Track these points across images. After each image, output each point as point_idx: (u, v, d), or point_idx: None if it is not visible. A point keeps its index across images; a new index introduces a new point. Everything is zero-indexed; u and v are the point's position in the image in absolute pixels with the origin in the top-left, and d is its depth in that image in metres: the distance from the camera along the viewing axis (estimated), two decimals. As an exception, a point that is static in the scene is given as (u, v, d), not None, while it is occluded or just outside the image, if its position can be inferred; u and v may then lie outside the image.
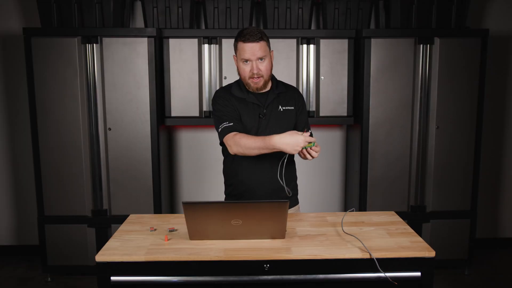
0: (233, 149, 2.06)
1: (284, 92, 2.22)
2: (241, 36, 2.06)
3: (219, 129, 2.11)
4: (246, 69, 2.08)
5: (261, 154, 2.03)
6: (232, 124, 2.09)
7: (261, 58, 2.06)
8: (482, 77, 3.27)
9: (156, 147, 3.25)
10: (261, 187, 2.19)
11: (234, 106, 2.15)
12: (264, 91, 2.17)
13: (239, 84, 2.20)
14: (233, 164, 2.24)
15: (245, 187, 2.21)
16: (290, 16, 3.37)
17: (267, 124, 2.16)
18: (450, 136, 3.32)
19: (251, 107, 2.16)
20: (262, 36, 2.05)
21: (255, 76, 2.08)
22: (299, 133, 1.94)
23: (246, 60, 2.06)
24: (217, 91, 2.25)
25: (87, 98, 3.20)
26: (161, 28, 3.30)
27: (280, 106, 2.19)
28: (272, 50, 2.16)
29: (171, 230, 1.97)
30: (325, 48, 3.32)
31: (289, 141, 1.91)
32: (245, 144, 2.00)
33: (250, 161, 2.17)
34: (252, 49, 2.04)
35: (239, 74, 2.15)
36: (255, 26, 2.09)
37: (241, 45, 2.06)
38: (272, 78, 2.22)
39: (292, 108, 2.21)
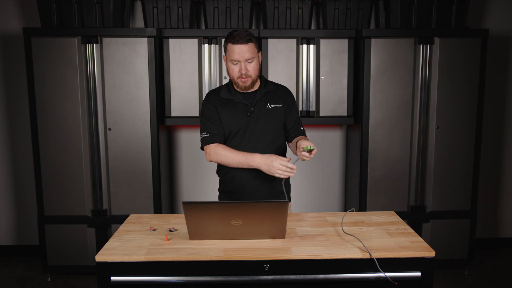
0: (210, 158, 2.22)
1: (273, 91, 2.28)
2: (231, 38, 2.12)
3: (201, 137, 2.25)
4: (235, 69, 2.15)
5: (257, 151, 2.17)
6: (212, 135, 2.21)
7: (249, 60, 2.12)
8: (482, 77, 3.27)
9: (156, 147, 3.25)
10: (251, 183, 2.24)
11: (218, 113, 2.22)
12: (252, 90, 2.23)
13: (229, 85, 2.27)
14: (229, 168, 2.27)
15: (236, 184, 2.26)
16: (290, 16, 3.37)
17: (256, 122, 2.22)
18: (450, 136, 3.32)
19: (239, 106, 2.23)
20: (250, 38, 2.11)
21: (243, 76, 2.14)
22: (279, 158, 2.03)
23: (235, 61, 2.13)
24: (207, 94, 2.33)
25: (87, 98, 3.20)
26: (161, 28, 3.30)
27: (268, 104, 2.24)
28: (260, 51, 2.23)
29: (171, 230, 1.97)
30: (325, 48, 3.32)
31: (266, 162, 2.05)
32: (226, 156, 2.17)
33: None
34: (240, 50, 2.10)
35: (228, 74, 2.21)
36: (244, 28, 2.16)
37: (230, 46, 2.12)
38: (261, 77, 2.29)
39: (281, 106, 2.26)
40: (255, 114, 2.22)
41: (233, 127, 2.22)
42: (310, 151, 1.99)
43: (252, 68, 2.15)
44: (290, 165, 2.01)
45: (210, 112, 2.24)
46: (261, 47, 3.28)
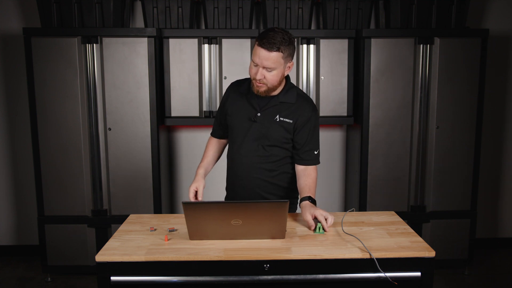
0: None
1: (290, 103, 2.10)
2: (260, 38, 1.94)
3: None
4: (253, 71, 2.00)
5: (243, 160, 2.16)
6: (214, 128, 2.34)
7: (268, 68, 1.96)
8: (482, 77, 3.27)
9: (156, 147, 3.25)
10: (243, 188, 2.19)
11: (226, 107, 2.19)
12: (270, 94, 2.08)
13: (251, 82, 2.11)
14: (228, 164, 2.28)
15: (232, 186, 2.25)
16: (290, 16, 3.37)
17: (258, 130, 2.10)
18: (450, 136, 3.32)
19: (247, 108, 2.12)
20: (279, 47, 1.92)
21: (259, 81, 2.00)
22: (194, 184, 2.16)
23: (255, 63, 1.98)
24: (231, 83, 2.27)
25: (87, 98, 3.20)
26: (161, 28, 3.30)
27: (278, 116, 2.08)
28: (292, 62, 2.05)
29: (171, 230, 1.97)
30: (325, 48, 3.32)
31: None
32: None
33: (238, 162, 2.17)
34: (262, 56, 1.94)
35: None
36: (283, 31, 1.97)
37: (256, 46, 1.96)
38: (286, 83, 2.12)
39: (290, 122, 2.09)
40: (259, 121, 2.09)
41: (234, 127, 2.16)
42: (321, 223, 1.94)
43: (270, 77, 1.98)
44: (191, 195, 2.12)
45: (220, 106, 2.27)
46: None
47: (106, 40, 3.15)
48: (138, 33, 3.15)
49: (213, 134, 2.36)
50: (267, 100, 2.10)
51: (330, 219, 1.93)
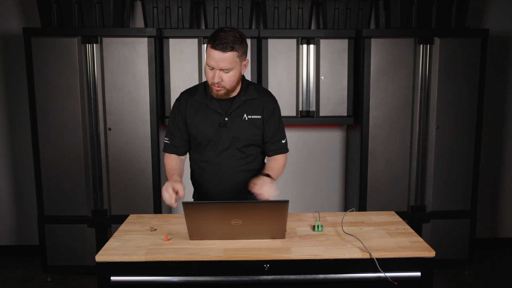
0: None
1: (253, 99, 2.09)
2: (212, 39, 1.91)
3: (163, 140, 2.22)
4: (209, 75, 1.96)
5: (220, 168, 2.11)
6: (170, 144, 2.18)
7: (225, 70, 1.93)
8: (482, 77, 3.27)
9: (156, 147, 3.25)
10: (224, 193, 2.16)
11: (186, 120, 2.10)
12: (230, 96, 2.05)
13: (205, 86, 2.09)
14: (196, 174, 2.22)
15: (207, 193, 2.19)
16: (290, 16, 3.37)
17: (229, 134, 2.07)
18: (450, 136, 3.32)
19: (212, 114, 2.07)
20: (233, 47, 1.90)
21: (217, 85, 1.97)
22: (168, 186, 1.97)
23: (211, 67, 1.94)
24: (180, 95, 2.17)
25: (87, 98, 3.20)
26: (161, 28, 3.30)
27: (245, 115, 2.07)
28: (246, 60, 2.02)
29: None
30: (325, 48, 3.32)
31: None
32: (165, 167, 2.20)
33: (215, 171, 2.13)
34: (217, 58, 1.90)
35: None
36: (233, 30, 1.93)
37: (208, 49, 1.92)
38: (243, 81, 2.10)
39: (259, 117, 2.09)
40: (229, 126, 2.06)
41: (203, 138, 2.09)
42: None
43: (228, 79, 1.95)
44: (168, 193, 1.92)
45: (176, 119, 2.14)
46: (260, 48, 3.28)
47: (106, 40, 3.15)
48: (138, 33, 3.15)
49: (172, 151, 2.18)
50: (230, 102, 2.07)
51: (266, 191, 1.94)
